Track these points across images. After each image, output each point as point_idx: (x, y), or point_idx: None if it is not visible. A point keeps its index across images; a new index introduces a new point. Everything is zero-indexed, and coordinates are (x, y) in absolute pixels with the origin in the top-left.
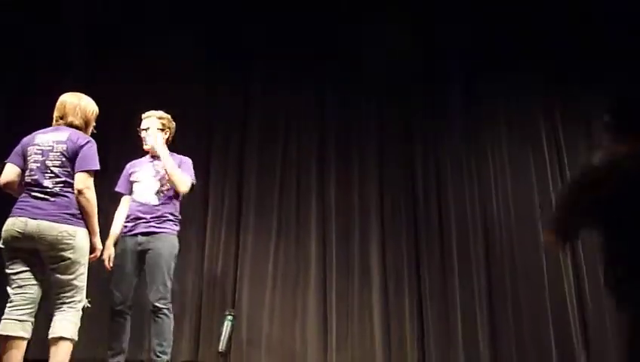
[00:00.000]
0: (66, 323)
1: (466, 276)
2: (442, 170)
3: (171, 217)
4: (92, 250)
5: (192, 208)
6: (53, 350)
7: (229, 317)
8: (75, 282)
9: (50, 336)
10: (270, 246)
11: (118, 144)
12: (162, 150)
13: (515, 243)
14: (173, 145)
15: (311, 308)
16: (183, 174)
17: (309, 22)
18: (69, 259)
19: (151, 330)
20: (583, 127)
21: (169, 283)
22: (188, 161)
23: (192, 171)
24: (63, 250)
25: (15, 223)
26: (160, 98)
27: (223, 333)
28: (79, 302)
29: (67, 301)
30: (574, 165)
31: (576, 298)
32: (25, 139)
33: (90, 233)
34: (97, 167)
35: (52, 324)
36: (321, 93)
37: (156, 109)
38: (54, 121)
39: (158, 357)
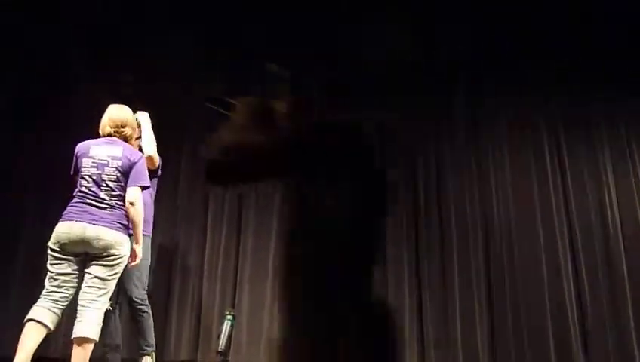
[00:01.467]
0: (93, 324)
1: (466, 278)
2: (442, 170)
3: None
4: (134, 256)
5: (192, 209)
6: (77, 349)
7: (229, 317)
8: (108, 284)
9: (76, 336)
10: (270, 247)
11: None
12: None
13: (515, 245)
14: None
15: None
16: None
17: (309, 22)
18: (114, 263)
19: (134, 327)
20: (584, 129)
21: (145, 284)
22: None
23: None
24: (113, 254)
25: (73, 227)
26: (160, 98)
27: (223, 333)
28: (104, 303)
29: (95, 299)
30: (575, 166)
31: (576, 301)
32: (80, 150)
33: (136, 241)
34: (148, 183)
35: (77, 323)
36: (320, 92)
37: (156, 109)
38: (110, 130)
39: (143, 350)
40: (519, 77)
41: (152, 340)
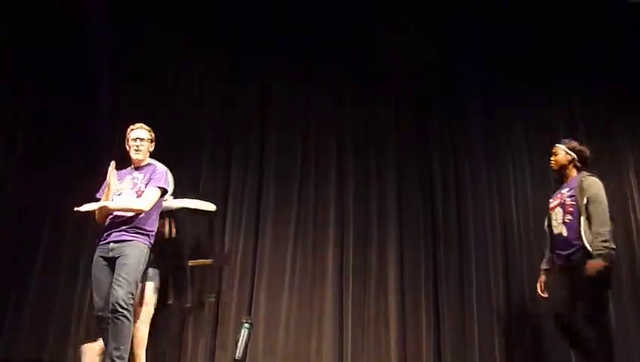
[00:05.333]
0: None
1: (484, 288)
2: (461, 179)
3: (146, 229)
4: None
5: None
6: None
7: (246, 325)
8: None
9: None
10: (287, 256)
11: None
12: (113, 205)
13: (535, 256)
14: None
15: (327, 318)
16: (136, 202)
17: (325, 26)
18: None
19: (108, 333)
20: (606, 138)
21: (132, 288)
22: (161, 173)
23: (162, 180)
24: None
25: None
26: (178, 109)
27: (240, 341)
28: None
29: None
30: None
31: None
32: None
33: None
34: None
35: None
36: (338, 101)
37: (175, 121)
38: None
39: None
40: (540, 86)
41: (125, 353)
